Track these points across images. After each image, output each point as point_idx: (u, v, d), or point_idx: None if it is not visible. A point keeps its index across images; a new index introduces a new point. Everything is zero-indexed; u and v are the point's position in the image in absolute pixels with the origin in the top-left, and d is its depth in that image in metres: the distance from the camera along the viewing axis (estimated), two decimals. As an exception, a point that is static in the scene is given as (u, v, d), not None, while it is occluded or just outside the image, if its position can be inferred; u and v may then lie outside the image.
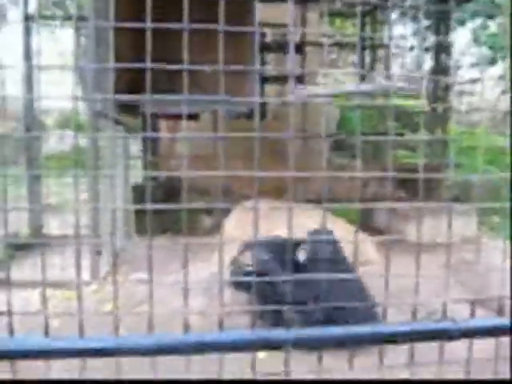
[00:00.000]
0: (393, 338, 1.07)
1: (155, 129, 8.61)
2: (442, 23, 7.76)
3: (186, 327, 1.07)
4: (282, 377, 1.15)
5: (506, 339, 1.22)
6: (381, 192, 8.19)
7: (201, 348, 1.01)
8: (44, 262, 1.18)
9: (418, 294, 1.22)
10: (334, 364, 1.12)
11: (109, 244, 5.38)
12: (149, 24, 1.00)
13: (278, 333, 1.06)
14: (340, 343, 1.06)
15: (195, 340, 1.00)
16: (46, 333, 1.11)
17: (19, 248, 5.35)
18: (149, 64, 0.98)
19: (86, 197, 5.21)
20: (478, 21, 11.85)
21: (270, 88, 8.34)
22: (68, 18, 8.82)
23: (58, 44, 13.44)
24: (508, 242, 1.33)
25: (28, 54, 6.16)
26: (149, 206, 1.10)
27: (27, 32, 6.18)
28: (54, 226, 6.14)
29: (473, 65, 12.71)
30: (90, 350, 1.05)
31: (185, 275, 1.14)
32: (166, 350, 1.01)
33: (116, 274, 2.14)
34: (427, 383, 1.29)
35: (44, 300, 1.29)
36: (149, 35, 0.99)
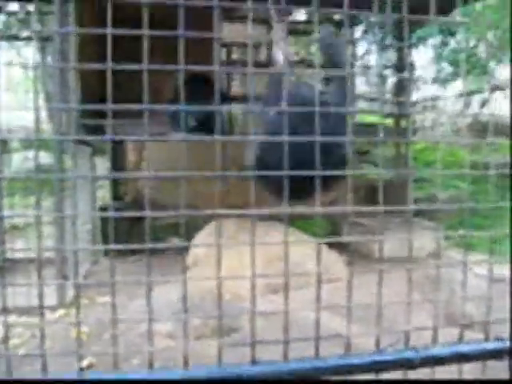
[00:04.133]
0: (356, 370, 1.08)
1: (122, 149, 8.55)
2: (402, 42, 7.94)
3: (150, 365, 1.06)
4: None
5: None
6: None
7: (165, 387, 1.00)
8: (4, 287, 1.15)
9: (381, 318, 1.24)
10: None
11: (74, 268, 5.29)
12: (110, 64, 1.01)
13: (246, 369, 1.07)
14: (304, 376, 1.07)
15: (159, 379, 1.00)
16: (9, 372, 1.09)
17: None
18: (110, 106, 0.99)
19: (52, 218, 5.12)
20: (439, 38, 12.22)
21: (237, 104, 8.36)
22: (31, 38, 8.75)
23: (23, 59, 13.30)
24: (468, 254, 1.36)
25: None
26: (112, 246, 1.10)
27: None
28: (19, 248, 6.01)
29: (435, 80, 13.02)
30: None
31: (148, 305, 1.13)
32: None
33: (79, 300, 2.08)
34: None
35: (6, 338, 1.27)
36: (109, 75, 1.00)
